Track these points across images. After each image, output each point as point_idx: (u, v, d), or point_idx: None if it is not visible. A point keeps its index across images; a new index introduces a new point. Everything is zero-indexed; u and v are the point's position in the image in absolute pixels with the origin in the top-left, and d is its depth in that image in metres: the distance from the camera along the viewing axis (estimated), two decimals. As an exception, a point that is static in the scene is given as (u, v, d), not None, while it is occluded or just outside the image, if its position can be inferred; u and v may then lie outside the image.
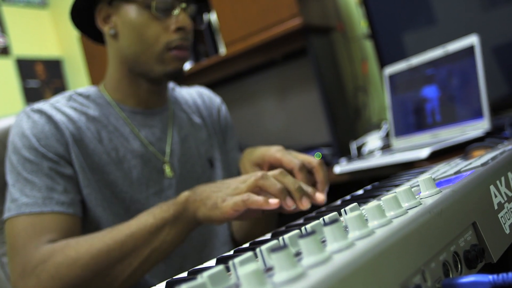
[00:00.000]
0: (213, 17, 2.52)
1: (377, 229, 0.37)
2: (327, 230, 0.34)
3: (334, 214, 0.44)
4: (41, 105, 0.97)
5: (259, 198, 0.72)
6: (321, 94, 2.31)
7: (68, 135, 0.94)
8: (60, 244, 0.83)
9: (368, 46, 2.39)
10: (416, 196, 0.45)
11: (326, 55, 2.41)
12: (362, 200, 0.69)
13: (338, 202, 0.85)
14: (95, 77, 3.13)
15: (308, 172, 0.88)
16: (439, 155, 1.28)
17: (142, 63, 1.01)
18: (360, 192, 0.88)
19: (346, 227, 0.38)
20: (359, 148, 2.12)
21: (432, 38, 1.81)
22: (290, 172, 0.87)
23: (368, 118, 2.45)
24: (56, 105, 0.98)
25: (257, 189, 0.75)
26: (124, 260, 0.82)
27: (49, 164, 0.90)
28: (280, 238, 0.42)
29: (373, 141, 2.04)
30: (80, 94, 1.03)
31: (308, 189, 0.78)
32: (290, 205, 0.73)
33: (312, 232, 0.32)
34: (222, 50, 2.57)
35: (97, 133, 0.98)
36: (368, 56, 2.41)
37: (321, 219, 0.46)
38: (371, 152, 1.95)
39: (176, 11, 1.00)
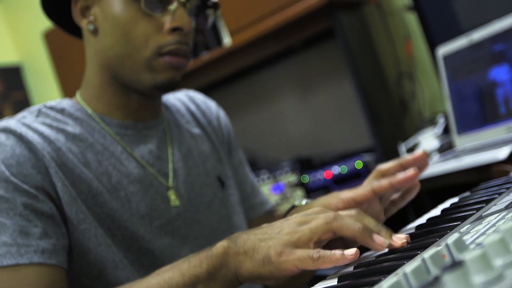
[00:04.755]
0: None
1: (506, 271, 0.36)
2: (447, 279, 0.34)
3: (436, 251, 0.43)
4: (5, 122, 0.95)
5: (335, 255, 0.67)
6: (356, 86, 2.30)
7: (48, 158, 0.92)
8: None
9: (412, 21, 2.38)
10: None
11: (358, 36, 2.40)
12: (448, 226, 0.68)
13: (412, 227, 0.84)
14: (67, 86, 3.14)
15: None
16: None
17: (127, 69, 1.00)
18: (436, 212, 0.87)
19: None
20: (410, 151, 2.11)
21: (496, 4, 1.80)
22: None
23: (418, 112, 2.43)
24: (25, 121, 0.96)
25: (329, 235, 0.71)
26: None
27: (24, 200, 0.88)
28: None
29: (427, 140, 2.03)
30: (52, 108, 1.01)
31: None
32: (380, 242, 0.68)
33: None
34: (227, 40, 2.57)
35: (82, 155, 0.97)
36: (412, 33, 2.40)
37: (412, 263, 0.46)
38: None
39: (172, 6, 0.98)
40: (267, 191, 2.39)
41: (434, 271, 0.42)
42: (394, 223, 0.85)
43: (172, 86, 1.02)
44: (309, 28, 2.52)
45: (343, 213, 0.74)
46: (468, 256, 0.36)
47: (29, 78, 4.07)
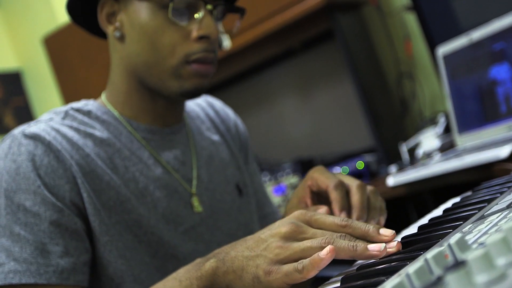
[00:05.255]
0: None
1: (509, 270, 0.36)
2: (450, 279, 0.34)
3: (439, 251, 0.43)
4: (35, 127, 0.93)
5: (313, 259, 0.66)
6: (356, 86, 2.30)
7: (76, 167, 0.91)
8: None
9: (411, 21, 2.38)
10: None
11: (358, 37, 2.41)
12: (450, 226, 0.68)
13: (414, 228, 0.84)
14: (68, 91, 3.14)
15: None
16: (524, 153, 1.27)
17: (154, 76, 1.00)
18: (438, 212, 0.87)
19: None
20: (411, 151, 2.11)
21: (495, 3, 1.80)
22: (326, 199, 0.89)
23: (419, 112, 2.44)
24: (54, 126, 0.94)
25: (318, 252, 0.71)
26: None
27: (50, 214, 0.87)
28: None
29: (428, 140, 2.03)
30: (78, 110, 1.01)
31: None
32: (377, 249, 0.67)
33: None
34: (226, 42, 2.57)
35: (110, 161, 0.97)
36: (412, 33, 2.41)
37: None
38: (428, 155, 1.94)
39: (199, 14, 0.98)
40: (269, 193, 2.38)
41: (437, 271, 0.43)
42: (397, 224, 0.85)
43: (199, 93, 1.02)
44: (308, 29, 2.53)
45: (334, 236, 0.70)
46: (470, 255, 0.36)
47: (29, 83, 4.07)
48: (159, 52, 0.98)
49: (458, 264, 0.35)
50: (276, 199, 2.37)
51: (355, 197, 0.87)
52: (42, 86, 3.96)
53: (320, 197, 0.95)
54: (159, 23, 0.97)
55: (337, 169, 2.27)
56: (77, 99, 1.09)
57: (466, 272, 0.35)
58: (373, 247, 0.67)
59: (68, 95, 3.12)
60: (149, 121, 1.05)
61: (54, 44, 3.10)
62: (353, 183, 0.89)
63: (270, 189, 2.39)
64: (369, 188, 0.90)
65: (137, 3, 0.98)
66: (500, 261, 0.38)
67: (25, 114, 3.94)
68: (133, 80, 1.03)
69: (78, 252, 0.88)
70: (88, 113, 1.01)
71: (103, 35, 1.07)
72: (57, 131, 0.94)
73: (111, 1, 1.00)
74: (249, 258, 0.72)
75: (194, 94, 1.02)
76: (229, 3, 1.07)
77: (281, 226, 0.73)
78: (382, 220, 0.88)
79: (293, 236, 0.71)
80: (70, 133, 0.95)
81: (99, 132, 0.99)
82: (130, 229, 0.94)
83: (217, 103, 1.26)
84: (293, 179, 2.36)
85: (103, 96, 1.07)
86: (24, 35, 3.97)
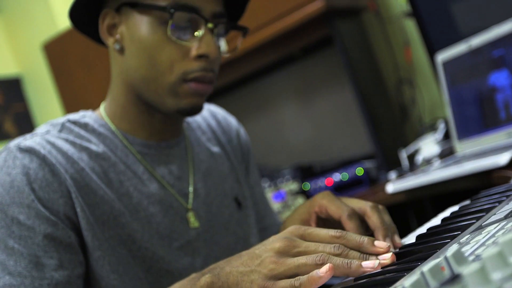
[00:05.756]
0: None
1: (506, 285, 0.36)
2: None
3: (435, 265, 0.43)
4: (30, 140, 0.93)
5: (312, 276, 0.66)
6: (356, 93, 2.30)
7: (70, 181, 0.91)
8: None
9: (411, 27, 2.38)
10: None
11: (357, 43, 2.41)
12: (448, 236, 0.67)
13: (412, 237, 0.84)
14: (67, 97, 3.14)
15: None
16: (523, 160, 1.27)
17: (151, 91, 0.99)
18: (436, 221, 0.87)
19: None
20: (410, 157, 2.11)
21: (495, 9, 1.80)
22: (338, 223, 0.87)
23: (418, 118, 2.44)
24: (49, 139, 0.94)
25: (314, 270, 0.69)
26: None
27: (44, 228, 0.87)
28: None
29: (428, 146, 2.03)
30: (75, 122, 1.00)
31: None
32: (372, 266, 0.66)
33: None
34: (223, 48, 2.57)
35: (104, 175, 0.96)
36: (411, 40, 2.41)
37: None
38: (428, 162, 1.94)
39: (199, 32, 0.97)
40: (268, 199, 2.38)
41: (433, 284, 0.42)
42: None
43: (196, 111, 1.02)
44: (308, 36, 2.53)
45: (326, 247, 0.71)
46: (466, 270, 0.36)
47: (29, 89, 4.07)
48: (157, 68, 0.97)
49: (454, 279, 0.35)
50: (275, 205, 2.36)
51: (374, 219, 0.84)
52: (42, 92, 3.97)
53: (325, 222, 0.93)
54: (159, 38, 0.96)
55: (337, 176, 2.27)
56: (77, 105, 1.08)
57: (462, 287, 0.34)
58: (367, 264, 0.67)
59: (68, 101, 3.13)
60: (146, 135, 1.04)
61: (54, 50, 3.10)
62: (366, 206, 0.87)
63: (269, 195, 2.39)
64: (380, 207, 0.88)
65: (138, 17, 0.97)
66: (496, 276, 0.37)
67: (25, 121, 3.94)
68: (131, 94, 1.02)
69: (72, 265, 0.88)
70: (85, 126, 1.00)
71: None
72: (53, 144, 0.93)
73: (112, 12, 0.99)
74: (243, 274, 0.72)
75: (190, 112, 1.01)
76: (231, 22, 1.06)
77: (275, 242, 0.73)
78: (397, 237, 0.84)
79: (287, 250, 0.71)
80: (66, 147, 0.94)
81: (95, 146, 0.98)
82: (124, 244, 0.94)
83: (220, 113, 1.25)
84: (292, 185, 2.36)
85: (102, 108, 1.06)
86: (24, 41, 3.97)
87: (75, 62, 3.02)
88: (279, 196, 2.37)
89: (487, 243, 0.53)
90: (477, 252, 0.51)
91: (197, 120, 1.19)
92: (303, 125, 2.77)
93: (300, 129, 2.78)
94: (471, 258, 0.50)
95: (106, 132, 1.01)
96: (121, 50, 1.00)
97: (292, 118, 2.81)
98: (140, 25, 0.97)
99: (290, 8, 2.32)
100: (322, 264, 0.68)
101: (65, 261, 0.87)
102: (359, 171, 2.22)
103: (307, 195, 2.34)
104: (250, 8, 2.47)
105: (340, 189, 2.25)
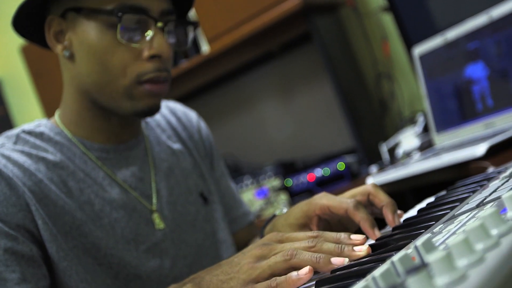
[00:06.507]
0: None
1: (470, 271, 0.36)
2: (410, 282, 0.34)
3: (404, 255, 0.44)
4: None
5: (290, 277, 0.66)
6: (335, 88, 2.31)
7: (29, 194, 0.89)
8: None
9: (388, 22, 2.40)
10: (503, 217, 0.45)
11: (335, 39, 2.42)
12: (422, 226, 0.68)
13: (388, 230, 0.85)
14: (47, 100, 3.12)
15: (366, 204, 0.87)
16: (500, 151, 1.28)
17: (106, 96, 0.98)
18: (413, 213, 0.88)
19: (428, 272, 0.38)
20: (391, 151, 2.13)
21: (470, 2, 1.82)
22: (347, 218, 0.86)
23: (398, 112, 2.45)
24: (4, 152, 0.92)
25: (285, 266, 0.70)
26: None
27: (3, 243, 0.85)
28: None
29: (408, 140, 2.05)
30: (30, 133, 0.98)
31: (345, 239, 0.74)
32: (339, 264, 0.68)
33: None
34: (205, 48, 2.57)
35: (63, 185, 0.94)
36: (389, 34, 2.42)
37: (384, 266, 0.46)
38: (407, 155, 1.96)
39: (150, 33, 0.96)
40: (251, 196, 2.39)
41: (404, 273, 0.43)
42: (378, 222, 0.85)
43: (153, 112, 1.00)
44: (286, 32, 2.53)
45: (301, 243, 0.71)
46: (432, 257, 0.37)
47: (9, 92, 4.04)
48: (110, 73, 0.96)
49: (420, 266, 0.36)
50: (258, 202, 2.37)
51: (379, 197, 0.85)
52: (22, 95, 3.94)
53: (326, 225, 0.91)
54: (108, 43, 0.95)
55: (319, 171, 2.27)
56: (57, 107, 1.07)
57: (427, 274, 0.35)
58: (336, 261, 0.67)
59: (48, 104, 3.11)
60: (103, 139, 1.03)
61: (32, 53, 3.08)
62: (365, 189, 0.87)
63: (252, 192, 2.39)
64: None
65: (85, 22, 0.95)
66: (461, 262, 0.38)
67: (5, 124, 3.90)
68: (85, 100, 1.00)
69: (35, 279, 0.86)
70: (40, 135, 0.98)
71: None
72: (8, 158, 0.91)
73: (58, 19, 0.97)
74: (223, 281, 0.73)
75: (148, 114, 1.00)
76: (181, 18, 1.05)
77: (253, 249, 0.74)
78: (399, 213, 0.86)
79: (264, 255, 0.72)
80: (22, 159, 0.93)
81: (52, 155, 0.96)
82: (89, 252, 0.93)
83: (180, 109, 1.24)
84: (275, 182, 2.36)
85: (57, 115, 1.04)
86: (3, 43, 3.94)
87: (54, 64, 2.98)
88: (261, 193, 2.38)
89: (458, 231, 0.54)
90: (448, 241, 0.52)
91: (156, 118, 1.17)
92: (284, 122, 2.78)
93: (281, 125, 2.79)
94: (441, 247, 0.51)
95: (62, 140, 0.99)
96: (71, 57, 0.98)
97: (273, 115, 2.81)
98: (88, 31, 0.96)
99: (267, 5, 2.32)
100: (291, 259, 0.68)
101: (28, 275, 0.85)
102: (341, 166, 2.24)
103: (290, 191, 2.34)
104: (228, 6, 2.49)
105: (322, 184, 2.26)
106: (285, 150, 2.76)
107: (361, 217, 0.82)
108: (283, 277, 0.67)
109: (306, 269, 0.66)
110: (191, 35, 1.06)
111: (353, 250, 0.69)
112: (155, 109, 1.00)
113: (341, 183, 2.23)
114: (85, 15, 0.95)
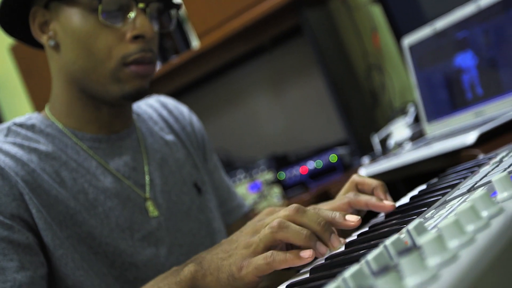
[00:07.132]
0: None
1: (461, 252, 0.37)
2: (403, 263, 0.35)
3: (397, 239, 0.44)
4: None
5: (287, 256, 0.68)
6: (327, 81, 2.32)
7: (22, 183, 0.89)
8: None
9: (377, 13, 2.40)
10: (493, 200, 0.46)
11: (326, 31, 2.42)
12: (414, 213, 0.69)
13: (381, 217, 0.86)
14: (38, 99, 3.11)
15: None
16: (490, 138, 1.29)
17: (94, 82, 0.98)
18: (405, 200, 0.88)
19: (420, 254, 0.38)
20: (383, 142, 2.13)
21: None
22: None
23: (389, 103, 2.46)
24: None
25: (278, 242, 0.71)
26: None
27: (1, 232, 0.86)
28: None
29: (399, 130, 2.05)
30: (21, 125, 0.99)
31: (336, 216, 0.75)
32: (323, 252, 0.69)
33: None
34: (195, 43, 2.57)
35: (56, 175, 0.95)
36: (378, 25, 2.43)
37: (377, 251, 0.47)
38: (399, 145, 1.96)
39: (132, 14, 0.97)
40: (244, 190, 2.39)
41: (396, 256, 0.43)
42: (370, 212, 0.86)
43: (141, 95, 1.01)
44: (277, 26, 2.54)
45: (282, 213, 0.72)
46: (423, 239, 0.37)
47: (0, 91, 4.02)
48: (95, 57, 0.97)
49: (411, 248, 0.36)
50: (251, 196, 2.37)
51: (367, 182, 0.86)
52: (12, 94, 3.92)
53: None
54: (92, 27, 0.96)
55: (311, 163, 2.28)
56: (48, 106, 1.07)
57: (419, 255, 0.35)
58: (304, 253, 0.68)
59: (38, 102, 3.10)
60: (94, 130, 1.03)
61: (21, 52, 3.07)
62: (351, 183, 0.88)
63: (245, 186, 2.40)
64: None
65: (68, 10, 0.97)
66: (453, 244, 0.39)
67: (-3, 124, 3.90)
68: (74, 89, 1.01)
69: (34, 266, 0.87)
70: (31, 127, 0.99)
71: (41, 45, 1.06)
72: (0, 149, 0.92)
73: (42, 9, 0.98)
74: (223, 259, 0.75)
75: (136, 96, 1.01)
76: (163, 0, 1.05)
77: (250, 225, 0.76)
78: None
79: (257, 229, 0.74)
80: (14, 150, 0.93)
81: (44, 146, 0.97)
82: (84, 241, 0.93)
83: (171, 102, 1.25)
84: (268, 176, 2.37)
85: (47, 108, 1.05)
86: (-8, 43, 3.92)
87: (44, 63, 2.98)
88: (255, 187, 2.39)
89: (449, 216, 0.54)
90: (439, 225, 0.52)
91: (147, 111, 1.18)
92: (276, 115, 2.79)
93: (273, 119, 2.79)
94: (433, 231, 0.51)
95: (54, 132, 1.00)
96: (56, 46, 0.99)
97: (265, 109, 2.82)
98: (71, 17, 0.97)
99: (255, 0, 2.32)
100: (277, 231, 0.69)
101: (26, 262, 0.86)
102: (333, 158, 2.24)
103: (283, 184, 2.35)
104: (217, 0, 2.48)
105: (315, 177, 2.27)
106: (278, 143, 2.76)
107: (366, 198, 0.82)
108: (282, 252, 0.69)
109: (309, 252, 0.67)
110: (174, 16, 1.07)
111: (345, 219, 0.70)
112: (143, 91, 1.01)
113: (334, 175, 2.24)
114: (67, 2, 0.97)
